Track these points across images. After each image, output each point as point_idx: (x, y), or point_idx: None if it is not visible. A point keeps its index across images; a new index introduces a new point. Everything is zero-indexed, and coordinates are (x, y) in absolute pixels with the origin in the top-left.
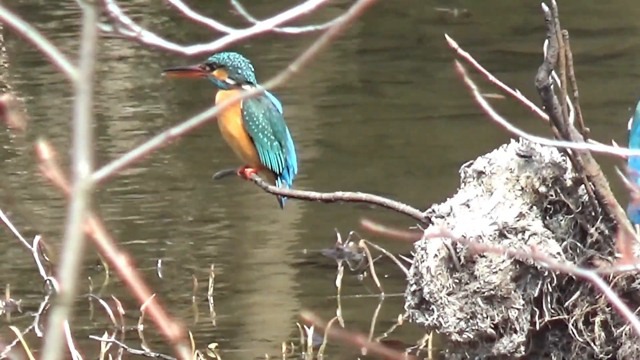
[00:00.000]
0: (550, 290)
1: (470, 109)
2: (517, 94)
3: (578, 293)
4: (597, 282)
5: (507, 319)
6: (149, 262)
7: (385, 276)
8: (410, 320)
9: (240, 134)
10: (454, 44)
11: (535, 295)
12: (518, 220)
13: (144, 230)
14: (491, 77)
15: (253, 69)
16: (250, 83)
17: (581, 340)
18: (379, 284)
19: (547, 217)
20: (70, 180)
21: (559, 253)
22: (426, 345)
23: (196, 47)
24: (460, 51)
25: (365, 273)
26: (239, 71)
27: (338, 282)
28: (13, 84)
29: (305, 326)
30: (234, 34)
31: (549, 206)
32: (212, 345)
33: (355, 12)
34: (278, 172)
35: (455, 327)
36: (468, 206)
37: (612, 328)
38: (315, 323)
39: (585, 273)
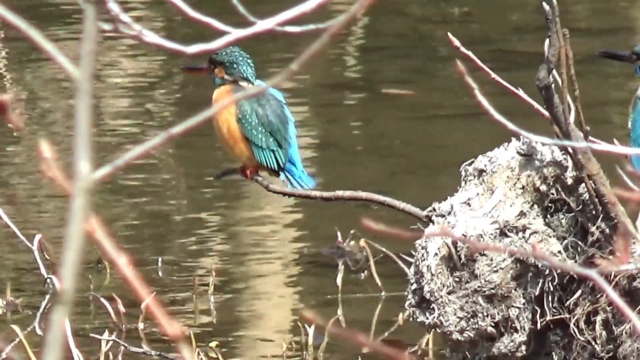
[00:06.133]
0: (552, 289)
1: (471, 108)
2: (520, 92)
3: (579, 292)
4: (598, 281)
5: (508, 318)
6: (149, 261)
7: (387, 275)
8: (411, 319)
9: (235, 133)
10: (456, 42)
11: (536, 294)
12: (519, 219)
13: (144, 229)
14: (493, 75)
15: (252, 64)
16: (246, 79)
17: (582, 339)
18: (379, 283)
19: (548, 216)
20: (71, 179)
21: (559, 252)
22: (427, 344)
23: (197, 46)
24: (463, 49)
25: (366, 272)
26: (235, 66)
27: (339, 281)
28: (13, 82)
29: (306, 325)
30: (235, 33)
31: (549, 205)
32: (213, 344)
33: (356, 11)
34: (276, 169)
35: (455, 326)
36: (469, 205)
37: (613, 327)
38: (316, 322)
39: (586, 272)
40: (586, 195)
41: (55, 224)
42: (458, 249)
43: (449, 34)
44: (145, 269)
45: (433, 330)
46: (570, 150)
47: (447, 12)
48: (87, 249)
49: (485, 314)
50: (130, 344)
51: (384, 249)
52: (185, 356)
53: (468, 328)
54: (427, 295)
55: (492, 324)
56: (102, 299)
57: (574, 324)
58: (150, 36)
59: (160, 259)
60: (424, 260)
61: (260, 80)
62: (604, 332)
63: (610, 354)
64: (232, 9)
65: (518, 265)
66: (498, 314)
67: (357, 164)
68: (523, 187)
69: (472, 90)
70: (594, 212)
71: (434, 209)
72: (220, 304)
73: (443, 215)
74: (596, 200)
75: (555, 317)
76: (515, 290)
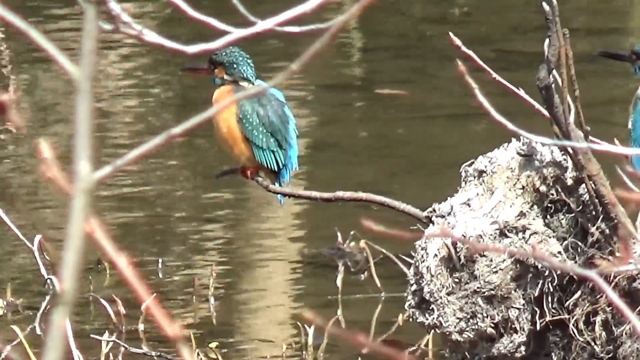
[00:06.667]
0: (551, 289)
1: (471, 108)
2: (521, 92)
3: (579, 293)
4: (597, 281)
5: (508, 319)
6: (149, 262)
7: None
8: (410, 320)
9: (236, 133)
10: (458, 41)
11: (536, 294)
12: (519, 220)
13: (144, 230)
14: (494, 75)
15: (252, 64)
16: (247, 80)
17: (582, 339)
18: (379, 284)
19: (548, 216)
20: (71, 180)
21: (559, 252)
22: (426, 345)
23: (197, 46)
24: (464, 49)
25: (365, 273)
26: (235, 66)
27: (339, 282)
28: (13, 82)
29: (305, 325)
30: (236, 33)
31: (549, 205)
32: (213, 345)
33: (356, 11)
34: (276, 170)
35: (455, 327)
36: (469, 205)
37: (613, 327)
38: (315, 322)
39: (586, 272)
40: (586, 196)
41: (55, 224)
42: (458, 249)
43: (450, 34)
44: (145, 270)
45: (433, 331)
46: (570, 150)
47: (447, 12)
48: (87, 249)
49: (484, 314)
50: (130, 345)
51: (384, 250)
52: (185, 357)
53: (467, 329)
54: (427, 296)
55: (492, 325)
56: (102, 300)
57: (574, 325)
58: (151, 36)
59: (160, 260)
60: (423, 261)
61: (261, 80)
62: (603, 333)
63: (610, 355)
64: (232, 9)
65: (518, 266)
66: (498, 314)
67: (357, 164)
68: (523, 188)
69: (472, 90)
70: (594, 212)
71: (434, 210)
72: (220, 304)
73: (443, 216)
74: (596, 200)
75: (554, 318)
76: (514, 291)
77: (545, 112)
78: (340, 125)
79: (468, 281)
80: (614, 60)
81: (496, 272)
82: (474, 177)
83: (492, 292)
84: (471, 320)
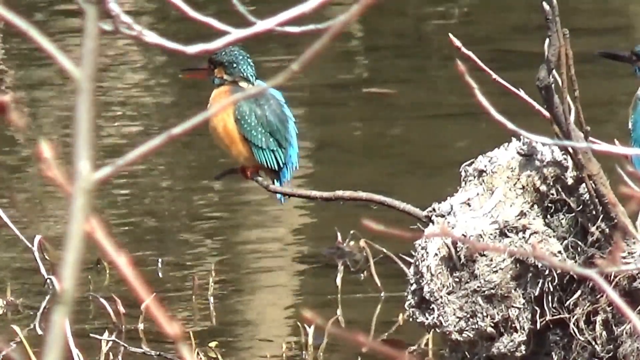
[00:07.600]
0: (551, 289)
1: (471, 108)
2: (521, 92)
3: (579, 292)
4: (598, 281)
5: (508, 318)
6: (149, 261)
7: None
8: (410, 320)
9: (233, 133)
10: (457, 42)
11: (536, 294)
12: (519, 219)
13: (144, 229)
14: (494, 76)
15: (252, 64)
16: (247, 79)
17: (582, 339)
18: (379, 283)
19: (548, 216)
20: (71, 180)
21: (559, 252)
22: (426, 345)
23: (197, 46)
24: (464, 49)
25: (365, 272)
26: (235, 66)
27: (338, 281)
28: (14, 82)
29: (305, 325)
30: (236, 33)
31: (549, 205)
32: (213, 344)
33: (356, 11)
34: (276, 170)
35: (455, 326)
36: (469, 205)
37: (613, 327)
38: (315, 322)
39: (586, 272)
40: (586, 196)
41: (55, 224)
42: (458, 249)
43: (450, 34)
44: (145, 270)
45: (433, 330)
46: (570, 150)
47: (447, 12)
48: (87, 249)
49: (484, 314)
50: (130, 344)
51: (383, 250)
52: (184, 356)
53: (467, 328)
54: (427, 296)
55: (492, 324)
56: (102, 300)
57: (574, 324)
58: (151, 36)
59: (160, 260)
60: (423, 260)
61: (260, 80)
62: (604, 332)
63: (610, 354)
64: (232, 9)
65: (518, 265)
66: (498, 314)
67: (357, 164)
68: (523, 188)
69: (472, 90)
70: (594, 212)
71: (434, 209)
72: (219, 304)
73: (443, 216)
74: (596, 200)
75: (555, 317)
76: (515, 290)
77: (545, 112)
78: (340, 125)
79: (468, 280)
80: (614, 60)
81: (496, 271)
82: (474, 177)
83: (492, 291)
84: (471, 320)
